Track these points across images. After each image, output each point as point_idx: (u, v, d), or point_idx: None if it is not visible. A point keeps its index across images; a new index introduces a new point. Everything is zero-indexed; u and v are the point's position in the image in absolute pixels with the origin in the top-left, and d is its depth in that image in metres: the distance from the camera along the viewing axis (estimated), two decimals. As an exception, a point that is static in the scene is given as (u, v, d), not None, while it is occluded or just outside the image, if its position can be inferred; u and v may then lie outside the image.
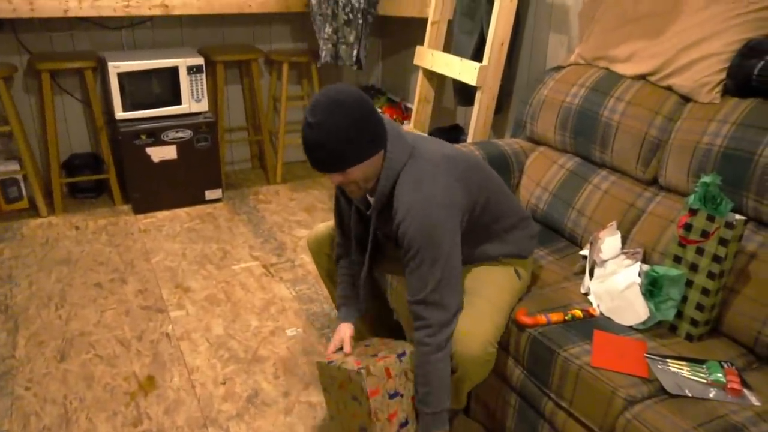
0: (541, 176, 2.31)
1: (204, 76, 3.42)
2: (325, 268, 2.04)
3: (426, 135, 1.75)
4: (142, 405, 2.06)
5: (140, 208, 3.47)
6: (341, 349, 1.77)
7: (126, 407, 2.05)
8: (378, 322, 2.16)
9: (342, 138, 1.49)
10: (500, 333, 1.70)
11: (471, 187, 1.66)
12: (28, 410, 2.02)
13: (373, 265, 1.89)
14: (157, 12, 3.22)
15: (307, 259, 3.02)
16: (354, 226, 1.83)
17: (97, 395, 2.10)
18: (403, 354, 1.65)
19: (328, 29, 3.52)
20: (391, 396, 1.62)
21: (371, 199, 1.69)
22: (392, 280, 2.21)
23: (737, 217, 1.58)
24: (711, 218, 1.60)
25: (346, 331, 1.80)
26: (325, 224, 2.03)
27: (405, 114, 3.95)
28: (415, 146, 1.63)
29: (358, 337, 1.86)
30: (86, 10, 3.07)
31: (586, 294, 1.87)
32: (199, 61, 3.40)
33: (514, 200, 1.86)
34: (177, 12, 3.26)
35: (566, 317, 1.73)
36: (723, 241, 1.58)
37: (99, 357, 2.29)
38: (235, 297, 2.70)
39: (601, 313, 1.77)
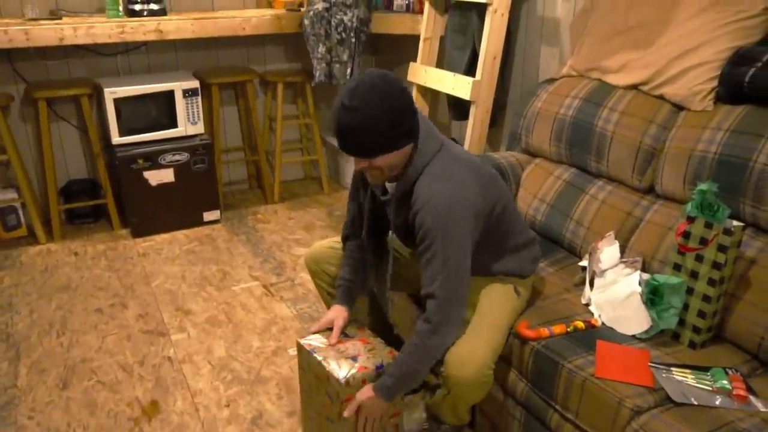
0: (538, 188, 2.32)
1: (199, 98, 3.44)
2: (324, 288, 2.03)
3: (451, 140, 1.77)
4: (146, 430, 2.04)
5: (139, 232, 3.47)
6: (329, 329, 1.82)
7: (130, 433, 2.03)
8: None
9: (377, 126, 1.48)
10: (498, 353, 1.70)
11: (491, 196, 1.67)
12: (31, 440, 2.01)
13: (383, 251, 1.90)
14: (152, 37, 3.24)
15: (307, 278, 3.02)
16: (367, 208, 1.81)
17: (101, 422, 2.08)
18: (381, 366, 1.71)
19: (322, 49, 3.54)
20: None
21: (389, 186, 1.69)
22: (393, 296, 2.21)
23: (735, 223, 1.58)
24: (709, 225, 1.61)
25: (339, 316, 1.80)
26: (320, 243, 2.03)
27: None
28: (444, 144, 1.65)
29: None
30: (81, 38, 3.10)
31: (587, 305, 1.87)
32: (195, 84, 3.42)
33: (523, 221, 1.88)
34: (171, 36, 3.29)
35: (568, 329, 1.73)
36: (722, 248, 1.59)
37: (101, 383, 2.28)
38: (236, 318, 2.69)
39: (603, 324, 1.77)
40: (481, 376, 1.62)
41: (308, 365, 1.81)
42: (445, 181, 1.57)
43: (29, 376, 2.31)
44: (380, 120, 1.48)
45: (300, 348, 1.83)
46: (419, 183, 1.59)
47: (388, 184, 1.72)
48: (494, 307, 1.75)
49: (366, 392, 1.66)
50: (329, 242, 2.02)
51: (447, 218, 1.54)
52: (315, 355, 1.76)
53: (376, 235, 1.88)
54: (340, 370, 1.69)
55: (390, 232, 1.83)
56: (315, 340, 1.82)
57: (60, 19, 3.20)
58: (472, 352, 1.62)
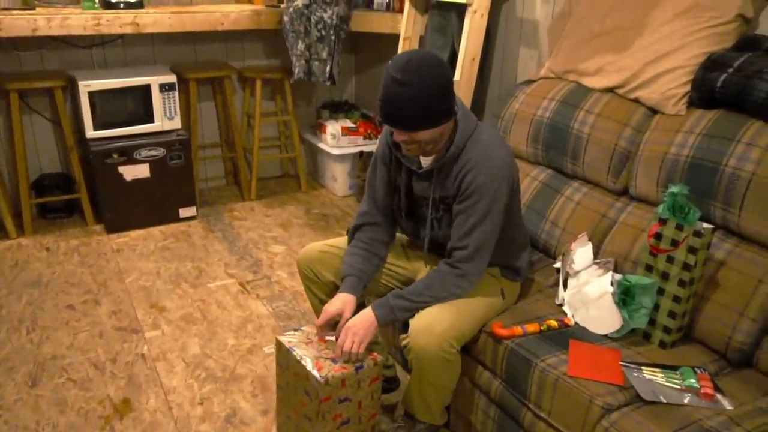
0: (515, 188, 2.34)
1: (176, 93, 3.41)
2: (315, 294, 1.97)
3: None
4: (118, 428, 2.02)
5: (113, 228, 3.42)
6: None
7: None
8: None
9: (425, 101, 1.56)
10: (462, 337, 1.72)
11: (516, 170, 1.78)
12: (-2, 438, 1.97)
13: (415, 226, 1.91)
14: (128, 30, 3.20)
15: (283, 275, 3.01)
16: (403, 184, 1.84)
17: (71, 420, 2.05)
18: (361, 367, 1.71)
19: (301, 46, 3.53)
20: (341, 401, 1.73)
21: (424, 160, 1.77)
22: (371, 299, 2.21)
23: (705, 225, 1.62)
24: (680, 227, 1.64)
25: (348, 306, 1.77)
26: (313, 246, 1.98)
27: (379, 128, 3.97)
28: (478, 122, 1.76)
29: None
30: (55, 29, 3.04)
31: (561, 305, 1.90)
32: (172, 78, 3.38)
33: (522, 221, 1.96)
34: (148, 30, 3.24)
35: (542, 328, 1.75)
36: (692, 250, 1.62)
37: (72, 381, 2.24)
38: (212, 315, 2.67)
39: (576, 323, 1.80)
40: (440, 351, 1.64)
41: (287, 363, 1.80)
42: (495, 148, 1.70)
43: (-3, 373, 2.27)
44: (429, 95, 1.56)
45: (279, 345, 1.82)
46: (468, 150, 1.69)
47: (423, 159, 1.77)
48: (474, 295, 1.77)
49: (359, 316, 1.71)
50: (322, 245, 1.97)
51: (497, 178, 1.67)
52: (294, 352, 1.75)
53: (409, 213, 1.90)
54: (320, 369, 1.68)
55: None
56: (294, 337, 1.81)
57: (33, 9, 3.14)
58: (435, 324, 1.66)
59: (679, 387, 1.52)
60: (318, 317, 2.01)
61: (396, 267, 1.98)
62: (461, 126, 1.70)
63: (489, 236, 1.71)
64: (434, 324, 1.66)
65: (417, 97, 1.55)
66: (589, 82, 2.23)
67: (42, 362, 2.34)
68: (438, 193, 1.77)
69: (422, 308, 1.71)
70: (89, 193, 3.47)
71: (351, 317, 1.75)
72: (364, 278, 1.84)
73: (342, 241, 1.98)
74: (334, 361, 1.72)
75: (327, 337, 1.81)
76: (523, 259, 1.92)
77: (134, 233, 3.43)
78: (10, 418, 2.05)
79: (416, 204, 1.86)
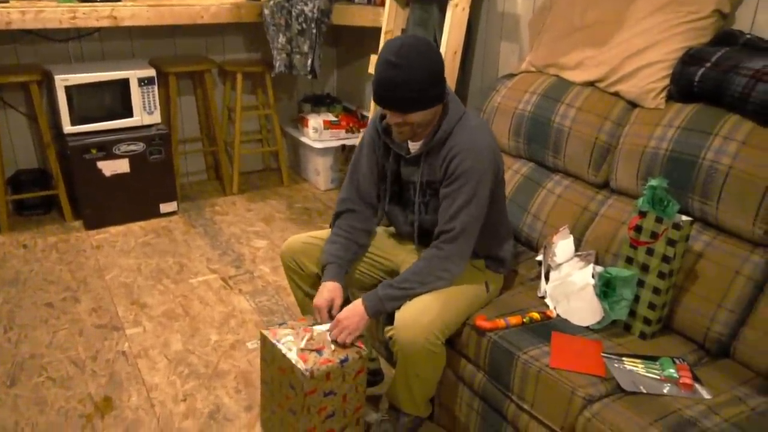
0: (497, 182, 2.35)
1: (156, 87, 3.36)
2: (298, 285, 1.97)
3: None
4: (99, 427, 2.00)
5: (92, 224, 3.37)
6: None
7: (82, 431, 1.98)
8: None
9: (418, 84, 1.60)
10: (447, 329, 1.74)
11: (501, 158, 1.82)
12: (-23, 438, 1.94)
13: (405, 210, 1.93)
14: (105, 23, 3.15)
15: (266, 270, 2.99)
16: (390, 170, 1.87)
17: (51, 420, 2.03)
18: (346, 360, 1.72)
19: (282, 39, 3.50)
20: (326, 394, 1.73)
21: (412, 146, 1.80)
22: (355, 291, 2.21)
23: (684, 218, 1.64)
24: (659, 220, 1.66)
25: (336, 293, 1.81)
26: (296, 238, 1.98)
27: (361, 122, 3.96)
28: (466, 109, 1.79)
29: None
30: (30, 23, 2.98)
31: (543, 297, 1.91)
32: (151, 72, 3.33)
33: (506, 212, 1.98)
34: (126, 23, 3.19)
35: (524, 320, 1.77)
36: (671, 242, 1.64)
37: (52, 380, 2.21)
38: (194, 311, 2.65)
39: (558, 315, 1.82)
40: (426, 343, 1.66)
41: (271, 357, 1.80)
42: (482, 134, 1.74)
43: (-25, 372, 2.24)
44: (422, 78, 1.61)
45: (263, 339, 1.82)
46: (456, 135, 1.72)
47: (411, 144, 1.79)
48: (459, 288, 1.79)
49: (349, 308, 1.74)
50: (305, 237, 1.98)
51: (483, 164, 1.70)
52: (279, 346, 1.75)
53: (395, 198, 1.93)
54: (305, 362, 1.68)
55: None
56: (278, 331, 1.81)
57: (7, 2, 3.07)
58: (420, 316, 1.68)
59: (658, 377, 1.55)
60: (301, 309, 2.02)
61: (382, 259, 1.98)
62: (450, 111, 1.73)
63: (474, 219, 1.73)
64: (420, 316, 1.67)
65: (410, 80, 1.59)
66: (569, 75, 2.25)
67: (20, 361, 2.30)
68: (425, 178, 1.80)
69: (410, 296, 1.72)
70: (67, 189, 3.42)
71: (342, 302, 1.80)
72: (345, 265, 1.86)
73: (326, 233, 1.98)
74: (319, 353, 1.72)
75: (316, 328, 1.81)
76: (507, 250, 1.94)
77: (114, 229, 3.39)
78: (-12, 418, 2.02)
79: (403, 189, 1.89)
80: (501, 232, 1.92)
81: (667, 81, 1.95)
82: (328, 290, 1.81)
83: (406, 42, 1.62)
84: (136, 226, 3.43)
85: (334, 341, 1.75)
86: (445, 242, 1.74)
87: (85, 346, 2.40)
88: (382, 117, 1.83)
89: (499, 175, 1.80)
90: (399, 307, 1.73)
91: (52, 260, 3.04)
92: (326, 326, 1.80)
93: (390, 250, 2.00)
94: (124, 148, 3.31)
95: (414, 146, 1.80)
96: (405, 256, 1.96)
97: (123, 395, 2.15)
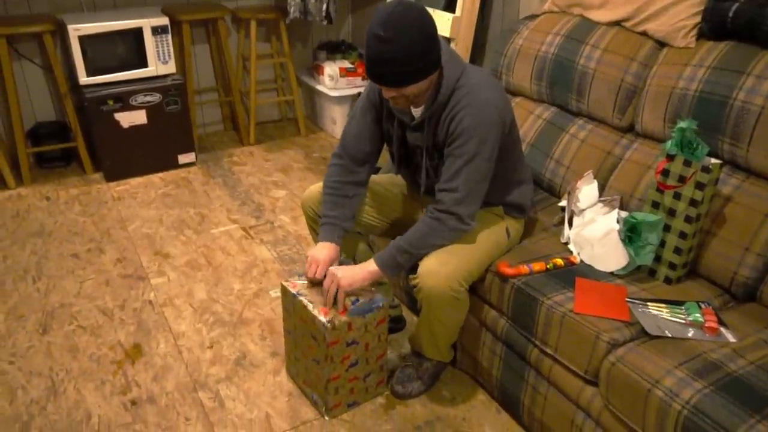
0: (519, 127, 2.31)
1: (170, 36, 3.31)
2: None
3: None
4: (130, 373, 2.06)
5: (112, 176, 3.39)
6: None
7: (114, 376, 2.04)
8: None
9: (410, 57, 1.53)
10: (470, 276, 1.74)
11: (509, 112, 1.74)
12: (14, 384, 2.01)
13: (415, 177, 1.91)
14: (116, -30, 3.09)
15: (286, 220, 3.01)
16: (396, 135, 1.84)
17: (84, 366, 2.09)
18: (369, 311, 1.75)
19: (296, -17, 3.41)
20: (349, 344, 1.76)
21: (415, 111, 1.74)
22: (375, 239, 2.21)
23: (713, 161, 1.60)
24: (688, 163, 1.62)
25: (325, 254, 1.79)
26: (316, 186, 1.98)
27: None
28: (465, 63, 1.72)
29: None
30: (40, -30, 2.93)
31: (566, 243, 1.90)
32: (164, 21, 3.28)
33: (523, 155, 1.93)
34: (137, -31, 3.13)
35: (548, 266, 1.76)
36: (700, 185, 1.61)
37: (82, 328, 2.27)
38: (216, 261, 2.68)
39: (582, 261, 1.81)
40: (450, 291, 1.67)
41: (293, 308, 1.82)
42: (482, 89, 1.66)
43: (7, 322, 2.29)
44: (413, 51, 1.53)
45: (284, 290, 1.84)
46: (456, 93, 1.66)
47: (414, 111, 1.75)
48: (480, 235, 1.78)
49: (354, 266, 1.73)
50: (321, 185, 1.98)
51: (485, 120, 1.64)
52: (300, 298, 1.77)
53: (404, 162, 1.90)
54: (326, 313, 1.70)
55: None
56: (299, 282, 1.83)
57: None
58: (443, 264, 1.68)
59: (683, 321, 1.54)
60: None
61: (390, 210, 2.00)
62: (446, 73, 1.65)
63: (479, 177, 1.67)
64: (443, 264, 1.67)
65: (401, 54, 1.52)
66: (594, 15, 2.17)
67: (50, 310, 2.36)
68: (431, 141, 1.75)
69: (423, 256, 1.71)
70: (86, 141, 3.43)
71: (329, 263, 1.78)
72: (339, 222, 1.85)
73: None
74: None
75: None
76: (526, 196, 1.92)
77: (134, 181, 3.41)
78: (23, 365, 2.09)
79: (411, 153, 1.85)
80: (518, 179, 1.88)
81: (698, 18, 1.87)
82: (319, 250, 1.80)
83: (394, 12, 1.51)
84: (155, 178, 3.44)
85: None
86: (452, 205, 1.67)
87: (112, 295, 2.45)
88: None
89: (507, 128, 1.72)
90: (414, 264, 1.72)
91: (75, 212, 3.07)
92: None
93: (401, 202, 2.01)
94: (140, 99, 3.29)
95: (416, 112, 1.74)
96: (417, 207, 1.97)
97: (152, 342, 2.20)
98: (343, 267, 1.74)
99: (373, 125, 1.86)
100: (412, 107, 1.74)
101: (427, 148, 1.77)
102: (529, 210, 1.95)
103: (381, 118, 1.86)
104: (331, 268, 1.74)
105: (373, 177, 2.02)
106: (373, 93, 1.84)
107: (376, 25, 1.53)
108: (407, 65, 1.54)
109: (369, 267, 1.73)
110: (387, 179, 2.06)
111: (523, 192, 1.91)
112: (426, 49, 1.55)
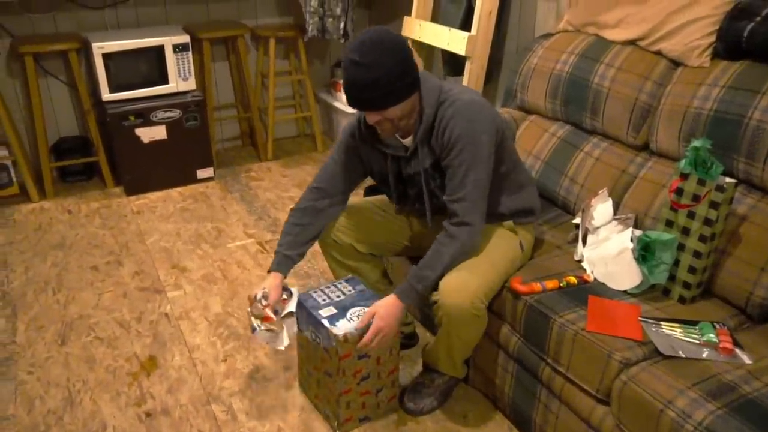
0: (533, 145, 2.32)
1: (190, 53, 3.38)
2: (334, 257, 2.00)
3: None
4: (145, 385, 2.08)
5: (132, 190, 3.45)
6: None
7: (129, 387, 2.07)
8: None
9: (388, 80, 1.57)
10: (491, 293, 1.74)
11: (499, 119, 1.75)
12: (32, 394, 2.04)
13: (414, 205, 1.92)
14: (140, -11, 3.16)
15: (302, 236, 3.03)
16: (392, 172, 1.85)
17: (100, 377, 2.12)
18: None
19: (314, 2, 3.47)
20: (360, 358, 1.76)
21: (403, 141, 1.77)
22: (392, 258, 2.23)
23: (728, 180, 1.59)
24: (702, 182, 1.62)
25: (275, 287, 1.83)
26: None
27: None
28: (440, 80, 1.75)
29: None
30: (67, -10, 3.02)
31: (580, 261, 1.90)
32: (185, 38, 3.35)
33: (520, 159, 1.93)
34: (160, -11, 3.21)
35: (561, 284, 1.76)
36: (714, 204, 1.60)
37: (99, 339, 2.30)
38: (232, 275, 2.71)
39: (595, 279, 1.80)
40: (472, 308, 1.67)
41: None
42: (464, 95, 1.69)
43: (27, 332, 2.34)
44: (390, 73, 1.57)
45: (297, 304, 1.85)
46: (441, 108, 1.69)
47: (404, 141, 1.76)
48: (496, 250, 1.79)
49: (380, 304, 1.72)
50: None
51: (475, 126, 1.66)
52: (312, 312, 1.78)
53: (403, 198, 1.92)
54: (338, 326, 1.71)
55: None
56: (311, 296, 1.84)
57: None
58: (465, 282, 1.68)
59: (698, 342, 1.53)
60: (336, 277, 2.03)
61: (402, 238, 2.02)
62: (426, 91, 1.69)
63: (483, 179, 1.69)
64: (464, 282, 1.67)
65: (379, 77, 1.56)
66: (609, 34, 2.18)
67: (69, 322, 2.40)
68: (429, 162, 1.76)
69: (437, 278, 1.71)
70: (107, 156, 3.50)
71: (278, 298, 1.82)
72: (292, 258, 1.88)
73: (357, 200, 1.99)
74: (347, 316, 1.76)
75: (266, 309, 1.82)
76: (532, 197, 1.92)
77: (153, 195, 3.46)
78: (42, 375, 2.12)
79: (409, 183, 1.86)
80: (520, 183, 1.88)
81: (712, 38, 1.87)
82: (272, 281, 1.85)
83: (368, 38, 1.57)
84: (174, 192, 3.50)
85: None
86: (464, 215, 1.68)
87: (129, 307, 2.49)
88: (365, 125, 1.80)
89: (499, 134, 1.73)
90: (431, 290, 1.73)
91: (95, 225, 3.13)
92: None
93: (408, 228, 2.03)
94: (161, 114, 3.36)
95: (408, 141, 1.76)
96: (425, 232, 1.98)
97: (167, 355, 2.22)
98: (382, 317, 1.71)
99: (350, 164, 1.89)
100: (401, 139, 1.76)
101: (426, 170, 1.77)
102: (538, 211, 1.95)
103: (361, 158, 1.88)
104: (374, 325, 1.71)
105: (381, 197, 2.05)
106: (353, 135, 1.86)
107: (351, 51, 1.57)
108: (386, 86, 1.57)
109: (394, 304, 1.72)
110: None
111: (528, 194, 1.91)
112: (403, 70, 1.59)
